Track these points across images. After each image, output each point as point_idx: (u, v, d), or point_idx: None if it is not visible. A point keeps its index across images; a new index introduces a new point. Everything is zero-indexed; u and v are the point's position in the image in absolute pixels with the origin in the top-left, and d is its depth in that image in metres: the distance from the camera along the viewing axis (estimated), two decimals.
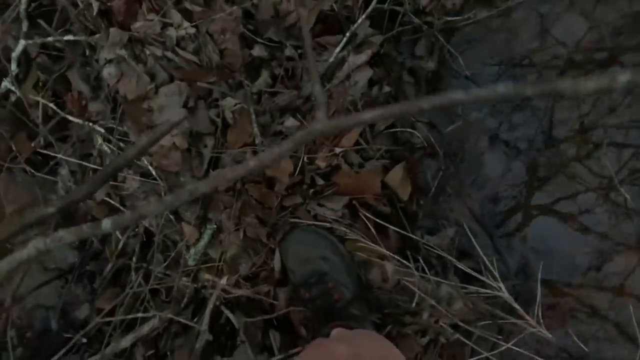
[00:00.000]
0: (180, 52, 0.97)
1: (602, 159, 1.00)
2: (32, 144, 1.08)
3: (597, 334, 1.01)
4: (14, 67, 1.04)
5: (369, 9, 1.03)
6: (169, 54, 0.98)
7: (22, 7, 0.98)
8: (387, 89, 1.00)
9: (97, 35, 0.98)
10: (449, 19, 1.03)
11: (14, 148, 1.17)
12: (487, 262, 0.92)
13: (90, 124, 1.01)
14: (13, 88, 1.05)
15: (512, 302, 0.95)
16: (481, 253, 0.92)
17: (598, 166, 1.01)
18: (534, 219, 1.04)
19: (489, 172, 1.05)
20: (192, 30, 0.97)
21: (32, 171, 1.13)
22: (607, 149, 1.01)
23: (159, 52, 0.97)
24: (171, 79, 0.99)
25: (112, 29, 0.96)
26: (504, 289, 0.93)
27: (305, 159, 1.00)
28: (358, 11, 1.05)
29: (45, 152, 1.06)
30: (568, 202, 1.03)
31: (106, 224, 0.42)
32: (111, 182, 1.08)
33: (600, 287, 1.02)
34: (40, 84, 1.18)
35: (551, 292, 1.04)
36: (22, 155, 1.15)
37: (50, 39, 1.00)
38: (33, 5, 1.09)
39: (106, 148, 1.01)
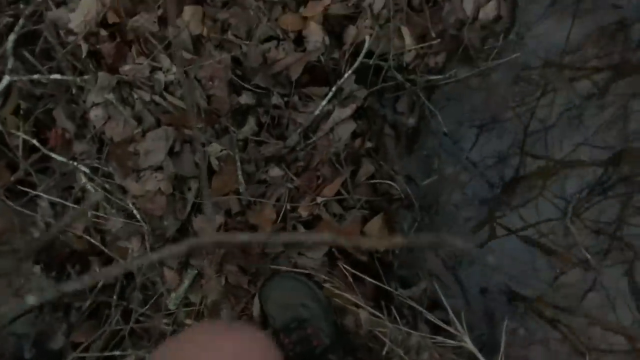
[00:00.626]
0: (168, 97, 0.99)
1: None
2: (12, 177, 1.07)
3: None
4: None
5: (356, 64, 1.06)
6: (157, 98, 0.99)
7: (10, 44, 0.97)
8: (369, 144, 1.04)
9: (86, 77, 0.98)
10: (431, 77, 1.07)
11: None
12: (452, 315, 0.97)
13: (74, 163, 1.01)
14: None
15: (476, 353, 1.01)
16: (448, 306, 0.97)
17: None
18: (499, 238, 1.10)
19: (460, 221, 1.10)
20: (183, 79, 0.98)
21: (10, 203, 1.12)
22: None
23: (146, 97, 0.98)
24: (158, 123, 1.00)
25: (100, 73, 0.96)
26: (468, 340, 0.99)
27: (287, 207, 1.03)
28: (344, 64, 1.08)
29: (25, 188, 1.06)
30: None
31: (30, 299, 0.43)
32: (93, 218, 1.09)
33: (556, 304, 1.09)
34: (21, 112, 1.17)
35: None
36: (0, 185, 1.15)
37: (36, 76, 1.00)
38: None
39: (90, 187, 1.02)
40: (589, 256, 1.07)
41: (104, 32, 0.97)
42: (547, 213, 1.09)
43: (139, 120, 0.99)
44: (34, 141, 1.03)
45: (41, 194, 1.03)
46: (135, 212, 0.97)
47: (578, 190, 1.08)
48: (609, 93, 1.09)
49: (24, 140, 1.07)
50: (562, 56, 1.10)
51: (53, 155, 1.02)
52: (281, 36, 1.09)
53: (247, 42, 1.06)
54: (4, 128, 1.06)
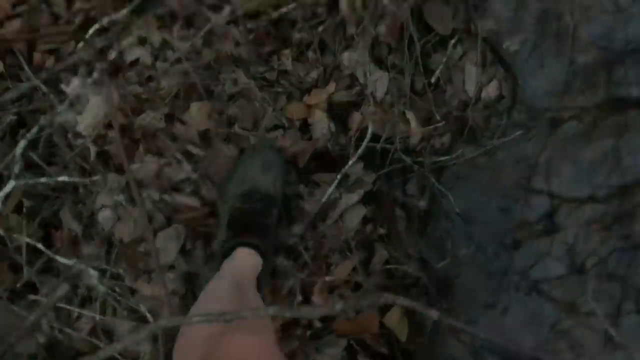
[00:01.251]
0: (178, 197, 0.98)
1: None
2: (17, 284, 1.04)
3: None
4: None
5: (361, 149, 1.07)
6: (167, 197, 0.98)
7: (19, 150, 0.96)
8: (381, 230, 1.03)
9: (95, 179, 0.97)
10: (438, 159, 1.08)
11: None
12: None
13: (82, 265, 0.98)
14: None
15: None
16: None
17: None
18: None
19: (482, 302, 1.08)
20: (193, 175, 0.97)
21: (12, 306, 1.08)
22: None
23: (156, 196, 0.97)
24: (168, 222, 0.98)
25: (110, 175, 0.95)
26: None
27: (300, 298, 1.01)
28: (351, 149, 1.08)
29: (32, 297, 1.03)
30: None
31: None
32: (99, 317, 1.05)
33: None
34: (25, 209, 1.15)
35: None
36: (2, 286, 1.11)
37: (43, 179, 0.99)
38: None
39: (101, 288, 0.98)
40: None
41: (111, 134, 0.97)
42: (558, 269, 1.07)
43: (149, 219, 0.97)
44: (39, 245, 1.01)
45: (45, 300, 1.00)
46: (148, 316, 0.94)
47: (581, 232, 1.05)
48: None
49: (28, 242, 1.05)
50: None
51: (59, 258, 1.00)
52: (287, 125, 1.10)
53: (254, 133, 1.07)
54: (6, 233, 1.03)
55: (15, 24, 1.23)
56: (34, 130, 0.98)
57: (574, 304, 1.04)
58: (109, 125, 0.98)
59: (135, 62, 1.09)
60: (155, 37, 1.11)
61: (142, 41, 1.12)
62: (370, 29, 1.05)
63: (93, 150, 0.96)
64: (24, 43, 1.23)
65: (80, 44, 1.20)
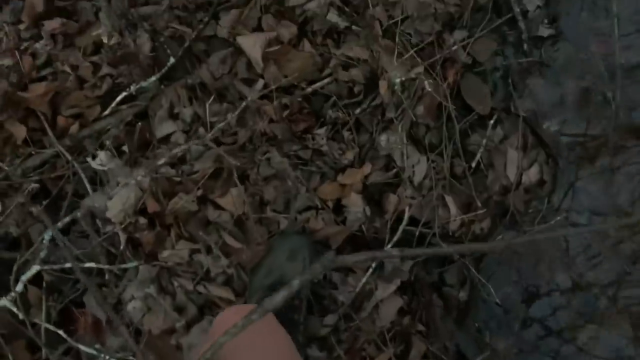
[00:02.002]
0: (211, 287, 0.93)
1: None
2: None
3: None
4: (19, 287, 0.97)
5: (397, 235, 1.03)
6: (200, 288, 0.93)
7: (48, 236, 0.92)
8: (420, 326, 0.99)
9: (123, 266, 0.93)
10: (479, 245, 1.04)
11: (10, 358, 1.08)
12: None
13: (107, 356, 0.94)
14: (15, 309, 0.97)
15: None
16: None
17: None
18: None
19: None
20: (227, 266, 0.93)
21: None
22: None
23: (189, 286, 0.93)
24: (201, 313, 0.94)
25: (141, 267, 0.91)
26: None
27: None
28: (387, 233, 1.05)
29: None
30: None
31: None
32: None
33: None
34: (45, 283, 1.10)
35: None
36: None
37: (68, 265, 0.94)
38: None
39: None
40: None
41: (142, 220, 0.94)
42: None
43: (180, 310, 0.93)
44: (60, 332, 0.96)
45: None
46: None
47: None
48: None
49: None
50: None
51: (82, 347, 0.95)
52: (319, 205, 1.06)
53: (286, 216, 1.03)
54: (24, 314, 0.99)
55: (39, 87, 1.20)
56: (66, 219, 0.94)
57: None
58: (140, 211, 0.94)
59: (167, 138, 1.06)
60: (187, 111, 1.08)
61: (173, 114, 1.09)
62: (410, 112, 1.02)
63: (123, 238, 0.92)
64: (48, 107, 1.20)
65: (107, 111, 1.17)
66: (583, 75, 1.14)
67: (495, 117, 1.11)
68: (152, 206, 0.93)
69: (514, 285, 1.07)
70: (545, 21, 1.16)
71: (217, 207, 0.98)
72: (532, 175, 1.07)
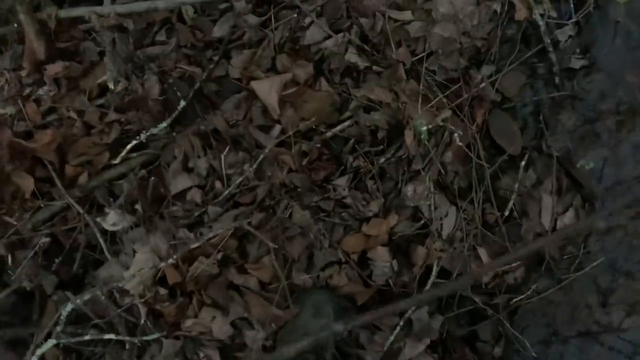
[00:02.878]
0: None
1: None
2: None
3: None
4: None
5: (427, 290, 0.98)
6: None
7: (66, 311, 0.88)
8: None
9: (145, 338, 0.88)
10: (513, 298, 0.99)
11: None
12: None
13: None
14: None
15: None
16: None
17: None
18: None
19: None
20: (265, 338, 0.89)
21: None
22: None
23: (215, 356, 0.89)
24: None
25: (165, 341, 0.87)
26: None
27: None
28: (415, 287, 1.00)
29: None
30: None
31: None
32: None
33: None
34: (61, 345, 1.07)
35: None
36: None
37: (87, 337, 0.90)
38: None
39: None
40: None
41: (163, 291, 0.89)
42: None
43: None
44: None
45: None
46: None
47: None
48: None
49: None
50: None
51: None
52: (343, 259, 1.01)
53: (311, 276, 0.98)
54: None
55: (45, 135, 1.14)
56: (86, 297, 0.89)
57: None
58: (159, 281, 0.90)
59: (182, 193, 1.01)
60: (202, 163, 1.02)
61: (187, 167, 1.03)
62: (437, 163, 0.96)
63: (143, 311, 0.88)
64: (55, 155, 1.14)
65: (117, 160, 1.12)
66: (619, 108, 1.08)
67: (526, 157, 1.05)
68: (172, 277, 0.89)
69: (550, 336, 1.02)
70: (578, 51, 1.09)
71: (242, 270, 0.94)
72: (567, 220, 1.01)
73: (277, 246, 0.91)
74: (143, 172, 1.04)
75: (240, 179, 0.97)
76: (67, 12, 1.12)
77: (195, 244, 0.90)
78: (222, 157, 1.00)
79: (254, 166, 0.98)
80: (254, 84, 1.08)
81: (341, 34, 1.08)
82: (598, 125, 1.08)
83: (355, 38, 1.07)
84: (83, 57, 1.19)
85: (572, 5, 1.09)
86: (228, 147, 1.02)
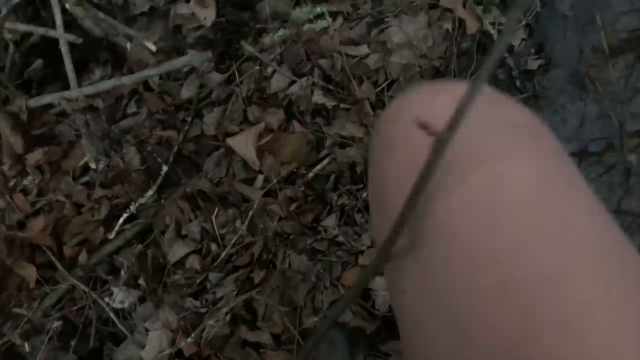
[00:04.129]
0: None
1: None
2: None
3: None
4: None
5: None
6: None
7: None
8: None
9: None
10: None
11: None
12: None
13: None
14: None
15: None
16: None
17: None
18: None
19: None
20: None
21: None
22: None
23: None
24: None
25: None
26: None
27: None
28: None
29: None
30: None
31: None
32: None
33: None
34: None
35: None
36: None
37: None
38: None
39: None
40: None
41: None
42: None
43: None
44: None
45: None
46: None
47: None
48: None
49: None
50: None
51: None
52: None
53: (317, 318, 1.02)
54: None
55: (38, 223, 1.17)
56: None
57: None
58: (176, 354, 0.94)
59: (181, 261, 1.04)
60: (194, 228, 1.06)
61: (181, 234, 1.07)
62: None
63: None
64: (52, 239, 1.18)
65: (112, 235, 1.15)
66: (582, 97, 1.12)
67: None
68: (188, 349, 0.92)
69: None
70: (533, 51, 1.13)
71: (253, 327, 0.97)
72: None
73: (287, 308, 0.95)
74: (140, 246, 1.08)
75: (235, 238, 1.00)
76: (36, 101, 1.14)
77: (204, 311, 0.94)
78: (213, 218, 1.04)
79: (246, 223, 1.01)
80: (229, 141, 1.11)
81: (304, 78, 1.11)
82: (564, 120, 1.12)
83: (318, 80, 1.10)
84: (60, 139, 1.22)
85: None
86: (217, 207, 1.06)
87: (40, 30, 1.07)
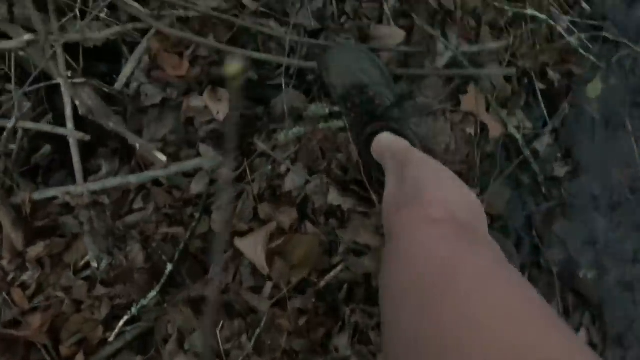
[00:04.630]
0: None
1: None
2: None
3: None
4: None
5: None
6: None
7: None
8: None
9: None
10: None
11: None
12: None
13: None
14: None
15: None
16: None
17: None
18: None
19: None
20: None
21: None
22: None
23: None
24: None
25: None
26: None
27: None
28: None
29: None
30: None
31: None
32: None
33: None
34: None
35: None
36: None
37: None
38: None
39: None
40: None
41: None
42: None
43: None
44: None
45: None
46: None
47: None
48: None
49: None
50: None
51: None
52: None
53: None
54: None
55: (35, 319, 1.11)
56: None
57: None
58: None
59: None
60: (197, 340, 0.99)
61: (183, 346, 1.00)
62: None
63: None
64: (48, 337, 1.11)
65: (112, 337, 1.09)
66: (613, 207, 1.05)
67: (526, 275, 1.02)
68: None
69: None
70: (559, 156, 1.07)
71: None
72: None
73: None
74: (140, 358, 1.01)
75: (241, 357, 0.93)
76: (40, 194, 1.10)
77: None
78: (218, 332, 0.97)
79: (253, 339, 0.95)
80: (238, 243, 1.06)
81: (320, 177, 1.06)
82: (593, 230, 1.05)
83: (332, 182, 1.05)
84: (64, 230, 1.17)
85: (544, 112, 1.07)
86: (222, 321, 0.99)
87: (47, 128, 1.04)
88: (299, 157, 1.09)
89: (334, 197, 1.05)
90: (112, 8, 1.15)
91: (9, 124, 1.05)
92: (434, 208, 0.64)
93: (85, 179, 1.12)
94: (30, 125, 1.04)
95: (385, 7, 1.07)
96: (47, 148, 1.26)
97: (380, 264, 0.70)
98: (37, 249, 1.13)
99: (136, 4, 1.14)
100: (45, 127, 1.04)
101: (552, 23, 1.05)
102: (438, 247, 0.56)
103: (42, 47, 1.05)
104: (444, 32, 1.07)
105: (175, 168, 1.00)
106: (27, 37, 1.04)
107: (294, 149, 1.09)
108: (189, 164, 1.00)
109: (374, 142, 0.96)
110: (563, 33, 1.05)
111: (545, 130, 1.06)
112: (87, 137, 1.02)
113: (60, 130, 1.03)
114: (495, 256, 0.57)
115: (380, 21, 1.10)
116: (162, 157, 0.96)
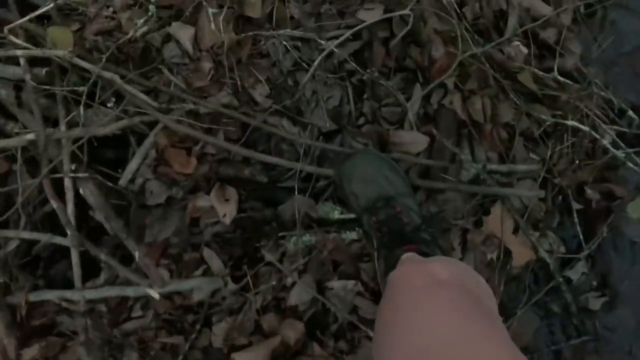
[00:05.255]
0: None
1: None
2: None
3: None
4: None
5: None
6: None
7: None
8: None
9: None
10: None
11: None
12: None
13: None
14: None
15: None
16: None
17: None
18: None
19: None
20: None
21: None
22: None
23: None
24: None
25: None
26: None
27: None
28: None
29: None
30: None
31: None
32: None
33: None
34: None
35: None
36: None
37: None
38: None
39: None
40: None
41: None
42: None
43: None
44: None
45: None
46: None
47: None
48: None
49: None
50: None
51: None
52: None
53: None
54: None
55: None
56: None
57: None
58: None
59: None
60: None
61: None
62: None
63: None
64: None
65: None
66: None
67: None
68: None
69: None
70: (594, 284, 0.97)
71: None
72: None
73: None
74: None
75: None
76: (36, 296, 1.05)
77: None
78: None
79: None
80: (237, 358, 0.98)
81: (330, 292, 0.99)
82: None
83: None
84: (60, 327, 1.12)
85: (580, 234, 0.97)
86: None
87: (46, 237, 0.99)
88: (309, 269, 1.02)
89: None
90: (120, 98, 1.10)
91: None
92: (438, 269, 0.62)
93: (85, 277, 1.07)
94: (26, 235, 0.99)
95: (409, 114, 0.99)
96: (48, 236, 1.22)
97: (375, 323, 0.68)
98: (31, 352, 1.08)
99: (144, 96, 1.08)
100: (43, 236, 0.99)
101: (597, 136, 0.95)
102: (448, 317, 0.54)
103: (44, 146, 1.01)
104: (471, 144, 0.98)
105: (172, 287, 0.94)
106: (30, 136, 1.00)
107: (302, 261, 1.01)
108: (187, 283, 0.94)
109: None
110: (608, 146, 0.95)
111: (581, 256, 0.96)
112: (87, 246, 0.97)
113: (62, 241, 0.98)
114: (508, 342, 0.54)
115: (401, 126, 1.03)
116: (155, 295, 0.90)
